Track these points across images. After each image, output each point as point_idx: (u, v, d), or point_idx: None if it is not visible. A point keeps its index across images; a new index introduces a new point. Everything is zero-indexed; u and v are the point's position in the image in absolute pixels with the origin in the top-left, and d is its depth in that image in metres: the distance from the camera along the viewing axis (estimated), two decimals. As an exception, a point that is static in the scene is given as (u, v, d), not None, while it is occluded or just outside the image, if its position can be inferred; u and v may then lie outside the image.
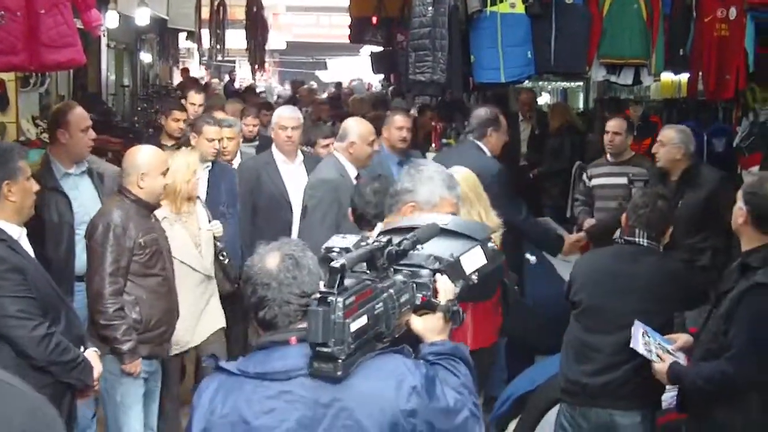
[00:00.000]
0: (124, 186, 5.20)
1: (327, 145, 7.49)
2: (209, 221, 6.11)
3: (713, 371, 4.01)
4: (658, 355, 4.35)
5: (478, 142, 6.70)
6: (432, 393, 2.53)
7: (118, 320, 4.98)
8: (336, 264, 2.38)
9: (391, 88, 16.46)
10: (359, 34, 13.80)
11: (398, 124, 7.49)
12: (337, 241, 2.63)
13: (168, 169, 5.33)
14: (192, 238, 5.89)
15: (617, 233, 5.05)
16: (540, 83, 13.66)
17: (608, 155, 7.64)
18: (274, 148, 7.18)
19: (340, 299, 2.35)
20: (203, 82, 18.63)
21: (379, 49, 14.17)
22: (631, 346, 4.40)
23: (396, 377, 2.51)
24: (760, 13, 8.00)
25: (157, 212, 5.44)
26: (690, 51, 8.42)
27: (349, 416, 2.48)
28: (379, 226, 3.85)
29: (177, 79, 20.09)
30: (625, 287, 4.71)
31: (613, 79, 8.44)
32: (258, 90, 20.19)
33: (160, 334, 5.23)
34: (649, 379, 4.45)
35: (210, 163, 6.78)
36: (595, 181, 7.69)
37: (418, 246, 2.68)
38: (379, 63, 14.25)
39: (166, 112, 7.96)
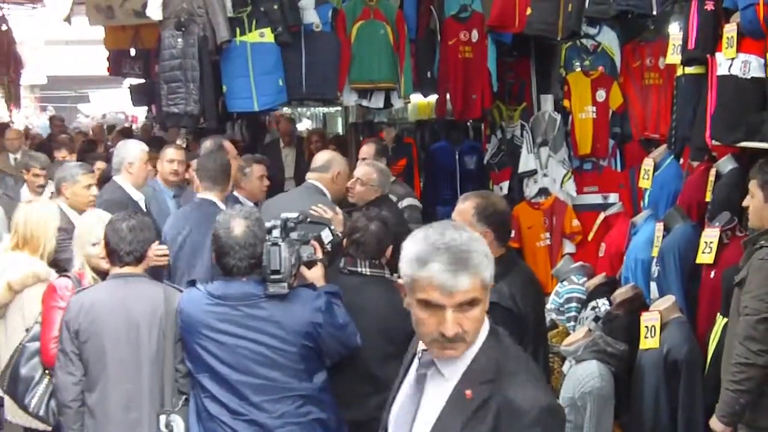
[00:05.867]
0: None
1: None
2: None
3: None
4: None
5: None
6: (331, 312, 4.17)
7: None
8: (279, 224, 4.15)
9: (153, 119, 16.10)
10: (117, 66, 13.41)
11: (169, 157, 7.24)
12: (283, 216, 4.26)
13: None
14: None
15: (342, 262, 4.81)
16: (300, 109, 13.76)
17: None
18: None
19: (284, 244, 4.11)
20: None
21: (139, 81, 13.89)
22: None
23: (308, 301, 4.15)
24: (499, 35, 8.40)
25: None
26: (437, 73, 8.73)
27: (279, 325, 4.09)
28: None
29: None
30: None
31: (364, 103, 8.66)
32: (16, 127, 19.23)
33: None
34: None
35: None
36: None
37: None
38: (138, 95, 13.94)
39: None
